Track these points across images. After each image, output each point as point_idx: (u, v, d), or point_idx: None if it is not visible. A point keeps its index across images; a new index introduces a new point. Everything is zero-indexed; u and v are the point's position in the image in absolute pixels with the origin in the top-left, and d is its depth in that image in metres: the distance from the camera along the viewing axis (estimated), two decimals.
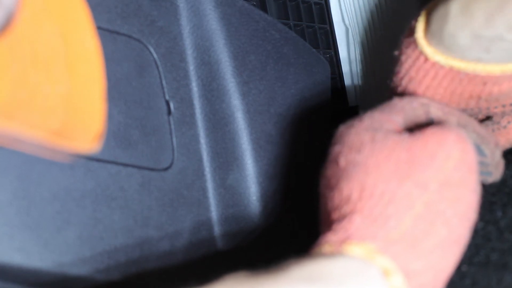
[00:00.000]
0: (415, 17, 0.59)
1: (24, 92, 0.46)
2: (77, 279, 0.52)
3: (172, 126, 0.60)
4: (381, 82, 0.67)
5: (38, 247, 0.50)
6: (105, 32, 0.57)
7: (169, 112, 0.60)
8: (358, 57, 0.80)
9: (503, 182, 0.60)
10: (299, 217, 0.66)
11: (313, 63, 0.71)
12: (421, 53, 0.58)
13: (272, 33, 0.68)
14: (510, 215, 0.60)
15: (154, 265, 0.56)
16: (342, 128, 0.55)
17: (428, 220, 0.50)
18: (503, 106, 0.59)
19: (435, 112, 0.56)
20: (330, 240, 0.49)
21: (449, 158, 0.51)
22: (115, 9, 0.59)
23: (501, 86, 0.57)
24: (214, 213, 0.61)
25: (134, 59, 0.59)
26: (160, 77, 0.60)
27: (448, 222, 0.50)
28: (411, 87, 0.59)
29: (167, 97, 0.61)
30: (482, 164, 0.57)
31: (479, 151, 0.57)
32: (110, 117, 0.55)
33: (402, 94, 0.60)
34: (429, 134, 0.52)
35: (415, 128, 0.55)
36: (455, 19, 0.55)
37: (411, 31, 0.59)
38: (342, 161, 0.52)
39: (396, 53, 0.60)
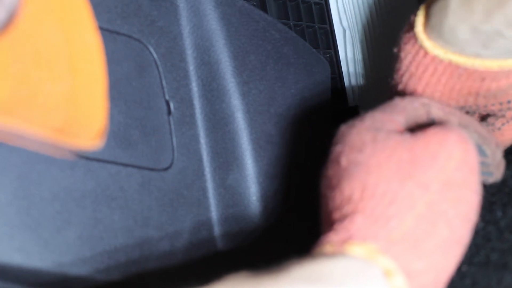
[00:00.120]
0: (414, 11, 0.59)
1: (26, 89, 0.46)
2: (77, 279, 0.52)
3: (172, 126, 0.60)
4: (381, 82, 0.67)
5: (38, 247, 0.50)
6: (105, 32, 0.56)
7: (169, 112, 0.60)
8: (358, 57, 0.80)
9: (503, 182, 0.61)
10: (299, 217, 0.66)
11: (313, 63, 0.71)
12: (421, 47, 0.58)
13: (272, 33, 0.68)
14: (510, 215, 0.61)
15: (154, 265, 0.56)
16: (343, 128, 0.55)
17: (429, 220, 0.50)
18: (501, 103, 0.59)
19: (436, 112, 0.56)
20: (331, 240, 0.49)
21: (451, 159, 0.51)
22: (115, 9, 0.59)
23: (499, 83, 0.57)
24: (214, 213, 0.61)
25: (134, 59, 0.59)
26: (160, 77, 0.60)
27: (450, 222, 0.50)
28: (411, 84, 0.59)
29: (167, 97, 0.60)
30: (483, 164, 0.57)
31: (480, 151, 0.57)
32: (110, 117, 0.55)
33: (403, 91, 0.60)
34: (431, 135, 0.52)
35: (416, 128, 0.55)
36: (455, 12, 0.56)
37: (410, 27, 0.59)
38: (344, 161, 0.52)
39: (395, 50, 0.60)
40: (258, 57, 0.66)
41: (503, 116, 0.60)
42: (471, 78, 0.58)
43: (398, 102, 0.56)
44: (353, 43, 0.81)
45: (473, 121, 0.58)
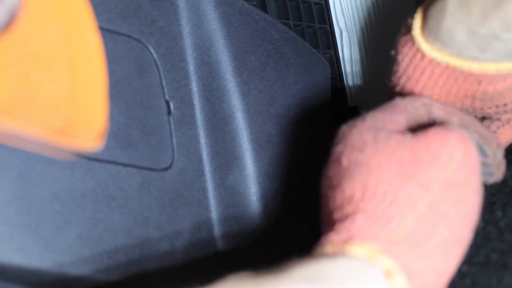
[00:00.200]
0: (412, 14, 0.59)
1: (26, 90, 0.46)
2: (77, 279, 0.52)
3: (172, 126, 0.60)
4: (381, 82, 0.67)
5: (38, 247, 0.50)
6: (105, 32, 0.56)
7: (169, 112, 0.60)
8: (358, 57, 0.80)
9: (503, 182, 0.61)
10: (299, 217, 0.66)
11: (313, 63, 0.71)
12: (418, 50, 0.58)
13: (272, 33, 0.68)
14: (510, 215, 0.61)
15: (154, 265, 0.56)
16: (344, 128, 0.55)
17: (430, 220, 0.50)
18: (497, 106, 0.59)
19: (437, 112, 0.56)
20: (332, 240, 0.49)
21: (452, 159, 0.51)
22: (115, 9, 0.59)
23: (496, 86, 0.57)
24: (214, 213, 0.61)
25: (134, 59, 0.59)
26: (160, 77, 0.60)
27: (451, 222, 0.50)
28: (409, 86, 0.59)
29: (167, 97, 0.60)
30: (484, 164, 0.57)
31: (481, 151, 0.57)
32: (110, 117, 0.55)
33: (400, 94, 0.60)
34: (432, 135, 0.52)
35: (417, 128, 0.55)
36: (452, 15, 0.56)
37: (408, 29, 0.59)
38: (345, 161, 0.52)
39: (392, 52, 0.60)
40: (258, 57, 0.66)
41: (499, 119, 0.60)
42: (468, 81, 0.58)
43: (399, 102, 0.56)
44: (353, 43, 0.81)
45: (474, 121, 0.58)
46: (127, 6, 0.59)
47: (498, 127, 0.61)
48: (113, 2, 0.58)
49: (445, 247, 0.50)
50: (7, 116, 0.45)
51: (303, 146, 0.67)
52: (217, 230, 0.61)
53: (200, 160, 0.62)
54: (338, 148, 0.53)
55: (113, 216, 0.54)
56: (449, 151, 0.51)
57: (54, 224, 0.51)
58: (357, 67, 0.80)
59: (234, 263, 0.52)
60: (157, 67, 0.60)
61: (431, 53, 0.57)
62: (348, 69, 0.80)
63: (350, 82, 0.80)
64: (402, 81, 0.59)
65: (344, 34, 0.80)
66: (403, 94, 0.60)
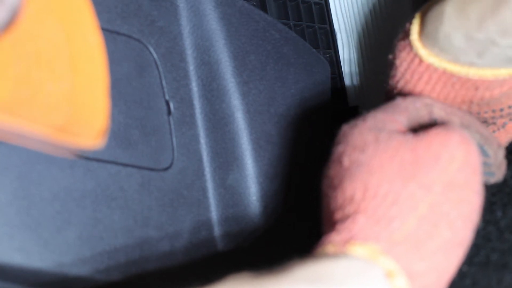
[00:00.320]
0: (409, 19, 0.59)
1: (27, 88, 0.46)
2: (77, 279, 0.52)
3: (172, 126, 0.60)
4: (381, 82, 0.67)
5: (38, 247, 0.50)
6: (105, 32, 0.56)
7: (169, 112, 0.60)
8: (358, 57, 0.80)
9: (503, 182, 0.61)
10: (299, 218, 0.66)
11: (313, 63, 0.71)
12: (416, 55, 0.58)
13: (272, 33, 0.68)
14: (510, 215, 0.61)
15: (154, 265, 0.56)
16: (345, 128, 0.55)
17: (432, 221, 0.50)
18: (493, 111, 0.59)
19: (438, 112, 0.56)
20: (333, 240, 0.49)
21: (453, 160, 0.51)
22: (115, 9, 0.59)
23: (493, 92, 0.57)
24: (214, 213, 0.61)
25: (134, 59, 0.59)
26: (160, 77, 0.60)
27: (452, 223, 0.50)
28: (406, 91, 0.59)
29: (167, 97, 0.60)
30: (484, 164, 0.57)
31: (482, 151, 0.57)
32: (110, 117, 0.55)
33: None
34: (433, 135, 0.52)
35: (418, 128, 0.55)
36: (450, 20, 0.56)
37: (405, 34, 0.59)
38: (346, 161, 0.52)
39: (390, 57, 0.60)
40: (258, 57, 0.66)
41: (494, 123, 0.61)
42: (465, 87, 0.58)
43: (400, 102, 0.56)
44: (353, 43, 0.81)
45: (475, 121, 0.58)
46: (127, 6, 0.59)
47: (494, 131, 0.61)
48: (113, 2, 0.58)
49: (446, 248, 0.50)
50: (9, 114, 0.45)
51: (303, 146, 0.67)
52: (217, 230, 0.61)
53: (200, 160, 0.62)
54: (339, 148, 0.53)
55: (113, 216, 0.54)
56: (450, 151, 0.51)
57: (54, 224, 0.51)
58: (357, 67, 0.80)
59: (234, 263, 0.52)
60: (157, 67, 0.60)
61: (428, 59, 0.57)
62: (347, 69, 0.80)
63: (350, 82, 0.80)
64: (399, 85, 0.60)
65: (344, 34, 0.80)
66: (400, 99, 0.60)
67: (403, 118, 0.55)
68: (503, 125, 0.61)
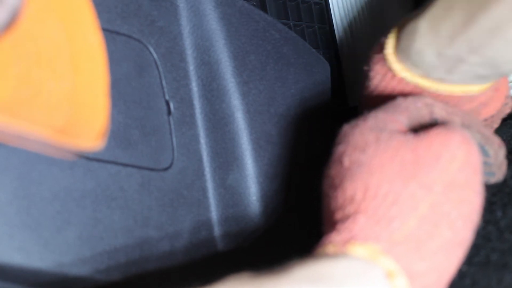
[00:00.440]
0: (385, 33, 0.60)
1: (28, 89, 0.46)
2: (77, 279, 0.52)
3: (172, 126, 0.60)
4: None
5: (38, 247, 0.50)
6: (105, 32, 0.56)
7: (169, 112, 0.60)
8: (358, 57, 0.80)
9: (503, 182, 0.61)
10: (299, 217, 0.66)
11: (313, 63, 0.71)
12: (389, 69, 0.59)
13: (272, 33, 0.68)
14: (510, 215, 0.60)
15: (154, 265, 0.56)
16: (346, 128, 0.55)
17: (432, 221, 0.50)
18: None
19: (439, 112, 0.56)
20: (333, 240, 0.49)
21: (454, 159, 0.51)
22: (115, 9, 0.59)
23: (463, 107, 0.59)
24: (214, 213, 0.61)
25: (134, 59, 0.59)
26: (160, 77, 0.60)
27: (453, 223, 0.50)
28: (379, 102, 0.59)
29: (167, 97, 0.60)
30: (485, 164, 0.57)
31: (483, 151, 0.57)
32: (110, 117, 0.55)
33: (372, 108, 0.60)
34: (434, 135, 0.52)
35: (419, 128, 0.55)
36: (422, 36, 0.57)
37: (381, 47, 0.60)
38: (346, 161, 0.52)
39: (365, 68, 0.61)
40: (258, 57, 0.66)
41: None
42: None
43: (401, 102, 0.56)
44: (352, 43, 0.81)
45: (476, 121, 0.58)
46: (127, 6, 0.59)
47: None
48: (113, 2, 0.58)
49: (446, 248, 0.50)
50: (9, 115, 0.45)
51: (303, 146, 0.67)
52: (217, 230, 0.61)
53: (200, 160, 0.62)
54: (339, 148, 0.53)
55: (113, 216, 0.54)
56: (451, 151, 0.51)
57: (54, 224, 0.51)
58: (357, 67, 0.80)
59: (234, 263, 0.52)
60: (157, 67, 0.60)
61: (401, 73, 0.59)
62: (348, 69, 0.80)
63: (350, 82, 0.80)
64: (373, 96, 0.60)
65: (344, 34, 0.80)
66: (374, 109, 0.60)
67: (404, 118, 0.55)
68: None
